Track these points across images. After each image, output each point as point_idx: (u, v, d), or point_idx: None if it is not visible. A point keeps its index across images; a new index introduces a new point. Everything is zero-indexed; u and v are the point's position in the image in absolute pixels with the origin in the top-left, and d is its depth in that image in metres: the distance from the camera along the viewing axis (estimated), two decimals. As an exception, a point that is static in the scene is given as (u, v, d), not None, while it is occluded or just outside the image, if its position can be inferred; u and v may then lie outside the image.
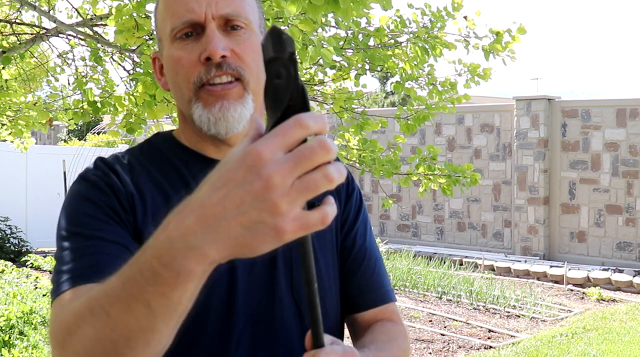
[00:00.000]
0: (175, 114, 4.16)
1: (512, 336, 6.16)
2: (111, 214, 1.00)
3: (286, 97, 0.61)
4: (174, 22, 1.06)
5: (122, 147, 12.74)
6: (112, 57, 4.49)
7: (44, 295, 6.91)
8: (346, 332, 1.24)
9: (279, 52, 0.60)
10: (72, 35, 4.42)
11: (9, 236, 10.60)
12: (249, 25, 1.07)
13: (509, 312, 7.07)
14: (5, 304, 6.28)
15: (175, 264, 0.63)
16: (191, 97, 1.05)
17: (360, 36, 3.81)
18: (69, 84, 4.70)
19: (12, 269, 8.56)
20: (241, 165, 0.59)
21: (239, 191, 0.59)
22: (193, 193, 0.63)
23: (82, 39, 4.40)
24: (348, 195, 1.23)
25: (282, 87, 0.61)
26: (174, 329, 0.71)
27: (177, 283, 0.64)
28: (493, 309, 7.15)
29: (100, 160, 1.08)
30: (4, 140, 6.07)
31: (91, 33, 4.03)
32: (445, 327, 6.48)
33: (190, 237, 0.61)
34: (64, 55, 4.84)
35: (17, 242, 10.61)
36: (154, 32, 3.43)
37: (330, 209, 0.61)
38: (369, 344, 1.10)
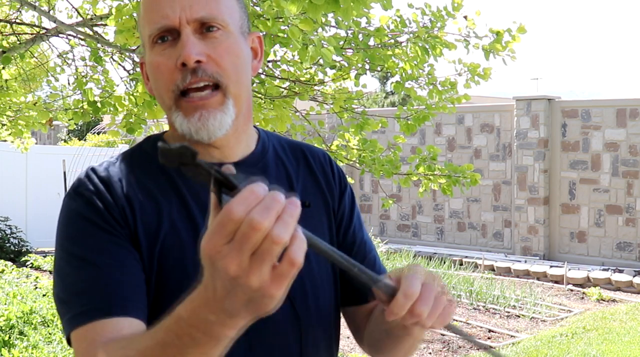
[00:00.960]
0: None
1: (512, 336, 6.17)
2: (111, 231, 1.01)
3: (209, 181, 0.70)
4: (151, 28, 1.06)
5: (122, 147, 12.74)
6: (112, 57, 4.49)
7: (44, 295, 6.91)
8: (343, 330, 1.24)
9: (172, 163, 0.68)
10: (72, 35, 4.42)
11: (9, 235, 10.61)
12: (226, 27, 1.06)
13: (509, 312, 7.07)
14: (5, 304, 6.28)
15: (213, 332, 0.72)
16: (171, 105, 1.06)
17: (360, 36, 3.81)
18: (69, 84, 4.70)
19: (12, 269, 8.57)
20: (204, 261, 0.68)
21: (218, 282, 0.68)
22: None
23: (82, 39, 4.40)
24: (341, 192, 1.23)
25: (203, 177, 0.70)
26: None
27: (217, 345, 0.73)
28: (493, 309, 7.15)
29: (92, 171, 1.07)
30: (4, 141, 6.07)
31: (91, 33, 4.03)
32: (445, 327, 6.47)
33: (218, 313, 0.70)
34: (64, 55, 4.84)
35: (17, 242, 10.61)
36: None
37: (295, 249, 0.67)
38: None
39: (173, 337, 0.74)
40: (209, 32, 1.05)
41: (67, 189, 1.08)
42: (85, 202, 1.02)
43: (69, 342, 0.99)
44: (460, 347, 5.85)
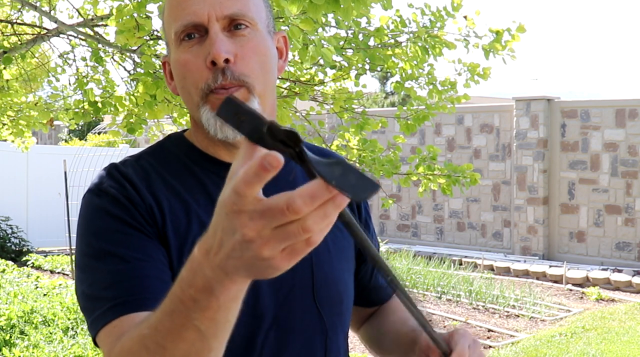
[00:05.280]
0: (175, 114, 4.17)
1: (511, 336, 6.18)
2: (139, 228, 0.99)
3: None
4: (177, 25, 1.04)
5: (123, 147, 12.75)
6: (112, 58, 4.51)
7: (44, 294, 6.92)
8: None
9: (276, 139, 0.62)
10: (73, 36, 4.44)
11: (10, 235, 10.62)
12: (255, 25, 1.05)
13: (508, 311, 7.08)
14: (6, 303, 6.29)
15: (212, 290, 0.68)
16: (199, 102, 1.04)
17: (360, 36, 3.82)
18: (69, 84, 4.71)
19: (13, 269, 8.58)
20: (222, 213, 0.64)
21: (229, 238, 0.64)
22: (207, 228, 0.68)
23: (82, 39, 4.42)
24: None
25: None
26: (225, 341, 0.76)
27: (219, 306, 0.69)
28: (492, 308, 7.17)
29: (115, 170, 1.05)
30: (5, 140, 6.09)
31: (92, 33, 4.04)
32: (444, 327, 6.49)
33: (215, 269, 0.67)
34: (65, 56, 4.85)
35: (18, 241, 10.63)
36: (154, 33, 3.45)
37: (318, 233, 0.63)
38: (406, 319, 1.19)
39: (177, 302, 0.71)
40: (237, 30, 1.03)
41: (90, 185, 1.04)
42: (110, 200, 1.00)
43: (95, 343, 0.95)
44: (459, 346, 5.86)
